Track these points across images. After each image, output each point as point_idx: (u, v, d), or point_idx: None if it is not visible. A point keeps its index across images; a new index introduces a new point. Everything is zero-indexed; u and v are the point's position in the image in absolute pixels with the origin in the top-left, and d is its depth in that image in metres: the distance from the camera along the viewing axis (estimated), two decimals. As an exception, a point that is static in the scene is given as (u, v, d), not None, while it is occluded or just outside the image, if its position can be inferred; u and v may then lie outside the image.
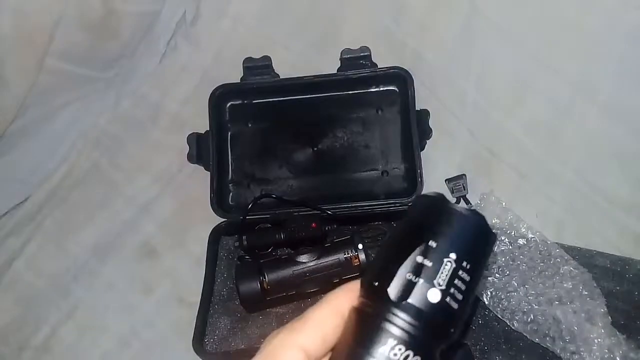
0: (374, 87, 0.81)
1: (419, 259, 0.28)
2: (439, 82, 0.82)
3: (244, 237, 0.72)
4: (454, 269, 0.28)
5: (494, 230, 0.33)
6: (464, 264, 0.28)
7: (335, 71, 0.80)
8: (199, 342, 0.69)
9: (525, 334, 0.65)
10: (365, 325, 0.29)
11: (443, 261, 0.28)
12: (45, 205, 0.83)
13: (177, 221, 0.81)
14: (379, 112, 0.81)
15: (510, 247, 0.70)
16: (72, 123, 0.84)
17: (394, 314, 0.28)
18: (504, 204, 0.73)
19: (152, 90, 0.88)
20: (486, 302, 0.67)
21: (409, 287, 0.28)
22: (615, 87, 0.76)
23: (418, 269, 0.28)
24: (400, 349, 0.28)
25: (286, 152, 0.81)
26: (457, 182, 0.76)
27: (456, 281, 0.28)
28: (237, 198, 0.80)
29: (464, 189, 0.75)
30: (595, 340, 0.61)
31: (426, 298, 0.28)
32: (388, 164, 0.79)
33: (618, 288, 0.68)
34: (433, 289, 0.28)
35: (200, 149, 0.79)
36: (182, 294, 0.76)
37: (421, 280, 0.28)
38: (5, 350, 0.75)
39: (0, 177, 0.81)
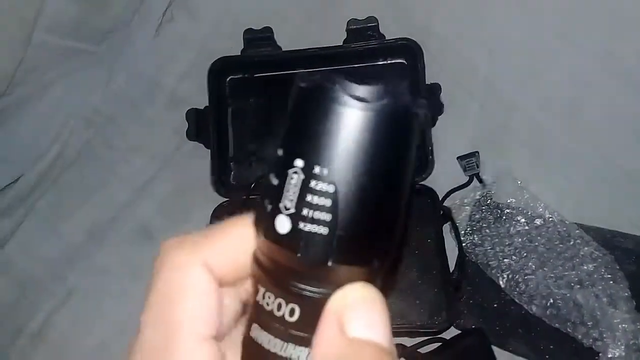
0: (381, 59, 0.77)
1: (271, 175, 0.21)
2: (450, 55, 0.78)
3: (247, 219, 0.69)
4: (303, 180, 0.20)
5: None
6: (317, 170, 0.20)
7: (341, 43, 0.76)
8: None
9: (544, 319, 0.63)
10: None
11: (287, 173, 0.20)
12: (37, 186, 0.79)
13: (176, 202, 0.78)
14: (387, 86, 0.77)
15: (527, 228, 0.67)
16: (63, 101, 0.80)
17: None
18: (519, 182, 0.70)
19: (148, 64, 0.84)
20: (502, 285, 0.65)
21: (261, 215, 0.21)
22: (641, 60, 0.73)
23: (267, 190, 0.21)
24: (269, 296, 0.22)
25: (290, 129, 0.77)
26: (469, 159, 0.73)
27: (309, 197, 0.20)
28: (239, 177, 0.77)
29: (477, 167, 0.72)
30: (620, 326, 0.58)
31: (274, 229, 0.20)
32: (397, 141, 0.76)
33: (642, 271, 0.65)
34: (280, 215, 0.20)
35: (200, 126, 0.76)
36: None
37: (269, 206, 0.21)
38: (-1, 338, 0.73)
39: (-11, 157, 0.78)
